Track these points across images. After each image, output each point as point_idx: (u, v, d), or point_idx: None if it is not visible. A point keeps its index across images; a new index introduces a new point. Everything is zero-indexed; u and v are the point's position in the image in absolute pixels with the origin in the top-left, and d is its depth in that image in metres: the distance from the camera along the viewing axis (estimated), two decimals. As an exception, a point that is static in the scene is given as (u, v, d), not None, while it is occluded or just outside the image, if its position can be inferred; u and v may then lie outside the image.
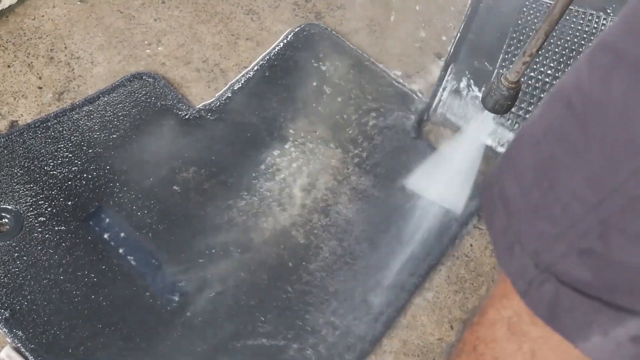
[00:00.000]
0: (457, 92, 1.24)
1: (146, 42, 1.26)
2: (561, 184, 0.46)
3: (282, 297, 1.05)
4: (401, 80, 1.30)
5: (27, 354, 0.95)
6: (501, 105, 0.94)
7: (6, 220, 1.04)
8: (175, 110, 1.19)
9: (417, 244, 1.12)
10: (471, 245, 1.17)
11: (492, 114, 1.04)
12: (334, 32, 1.35)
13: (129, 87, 1.20)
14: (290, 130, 1.21)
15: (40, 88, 1.18)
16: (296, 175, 1.16)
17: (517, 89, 0.93)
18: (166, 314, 1.01)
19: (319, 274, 1.07)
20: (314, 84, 1.27)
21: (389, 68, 1.32)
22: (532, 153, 0.50)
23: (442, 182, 1.16)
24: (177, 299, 1.02)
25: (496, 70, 1.26)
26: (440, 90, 1.23)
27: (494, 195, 0.54)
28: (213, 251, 1.07)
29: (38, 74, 1.19)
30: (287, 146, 1.19)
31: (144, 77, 1.22)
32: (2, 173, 1.07)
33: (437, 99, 1.23)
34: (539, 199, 0.48)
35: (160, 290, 1.02)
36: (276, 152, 1.18)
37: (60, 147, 1.11)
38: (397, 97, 1.28)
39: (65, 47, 1.23)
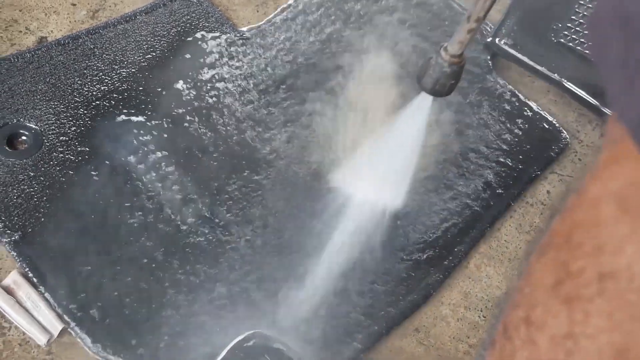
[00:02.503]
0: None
1: (192, -37, 1.15)
2: None
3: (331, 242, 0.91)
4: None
5: (34, 279, 0.83)
6: (443, 85, 0.77)
7: (24, 138, 0.93)
8: (217, 33, 1.07)
9: None
10: (548, 192, 1.01)
11: (431, 96, 0.81)
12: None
13: (170, 7, 1.09)
14: (346, 58, 1.07)
15: (74, 5, 1.07)
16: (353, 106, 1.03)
17: (462, 64, 0.76)
18: (194, 249, 0.89)
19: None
20: (380, 12, 1.13)
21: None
22: None
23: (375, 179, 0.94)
24: (207, 231, 0.90)
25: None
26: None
27: (608, 17, 0.38)
28: (252, 183, 0.94)
29: (73, -10, 1.09)
30: (340, 77, 1.06)
31: (187, -3, 1.10)
32: (25, 89, 0.97)
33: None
34: None
35: (189, 222, 0.90)
36: (329, 81, 1.05)
37: (90, 65, 1.01)
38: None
39: (105, -35, 1.12)
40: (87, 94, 0.98)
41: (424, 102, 0.84)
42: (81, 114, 0.96)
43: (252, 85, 1.03)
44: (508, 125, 1.05)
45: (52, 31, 1.04)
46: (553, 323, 0.43)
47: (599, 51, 0.39)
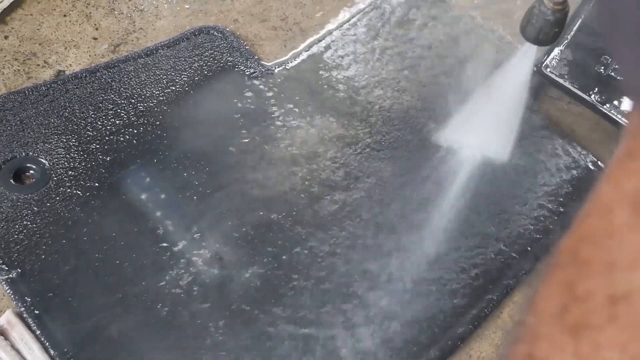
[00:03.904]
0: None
1: (220, -2, 1.11)
2: None
3: (351, 282, 0.84)
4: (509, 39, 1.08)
5: (29, 320, 0.78)
6: (546, 34, 0.77)
7: (32, 172, 0.89)
8: (242, 67, 1.02)
9: None
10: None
11: (535, 46, 0.83)
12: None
13: (193, 41, 1.04)
14: (374, 96, 1.01)
15: (95, 39, 1.04)
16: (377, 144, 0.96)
17: (565, 11, 0.74)
18: (199, 288, 0.82)
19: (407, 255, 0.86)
20: (407, 47, 1.07)
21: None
22: None
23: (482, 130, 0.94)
24: (215, 271, 0.83)
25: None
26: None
27: None
28: (266, 222, 0.88)
29: (95, 24, 1.06)
30: (368, 114, 0.99)
31: (211, 32, 1.06)
32: (37, 122, 0.93)
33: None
34: None
35: (196, 261, 0.84)
36: (354, 121, 0.99)
37: (106, 99, 0.96)
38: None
39: (130, -1, 1.09)
40: (100, 128, 0.94)
41: (528, 52, 0.86)
42: (93, 148, 0.92)
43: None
44: (548, 165, 0.97)
45: (70, 65, 1.01)
46: (558, 358, 0.35)
47: (611, 21, 0.32)
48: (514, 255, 0.88)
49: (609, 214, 0.34)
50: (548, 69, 1.02)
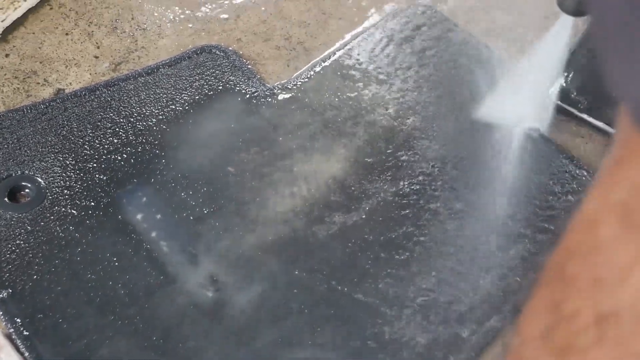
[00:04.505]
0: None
1: (223, 17, 1.10)
2: None
3: (347, 305, 0.82)
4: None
5: (18, 341, 0.76)
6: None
7: (27, 191, 0.88)
8: (243, 86, 1.01)
9: None
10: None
11: (572, 17, 0.84)
12: (444, 15, 1.13)
13: (195, 60, 1.03)
14: (377, 117, 0.99)
15: (96, 57, 1.03)
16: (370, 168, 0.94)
17: None
18: (193, 311, 0.80)
19: (397, 277, 0.84)
20: (410, 68, 1.05)
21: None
22: None
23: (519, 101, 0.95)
24: (210, 294, 0.81)
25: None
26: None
27: None
28: (264, 244, 0.86)
29: (97, 43, 1.05)
30: (370, 135, 0.98)
31: (213, 50, 1.05)
32: (34, 141, 0.92)
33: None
34: None
35: (191, 282, 0.82)
36: (357, 141, 0.97)
37: (105, 117, 0.95)
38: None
39: (132, 18, 1.09)
40: (98, 147, 0.92)
41: (565, 24, 0.87)
42: (90, 167, 0.90)
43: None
44: (555, 188, 0.94)
45: (70, 83, 1.00)
46: None
47: (599, 21, 0.30)
48: (518, 279, 0.86)
49: (594, 227, 0.32)
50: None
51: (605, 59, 0.30)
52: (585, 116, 0.99)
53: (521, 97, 0.96)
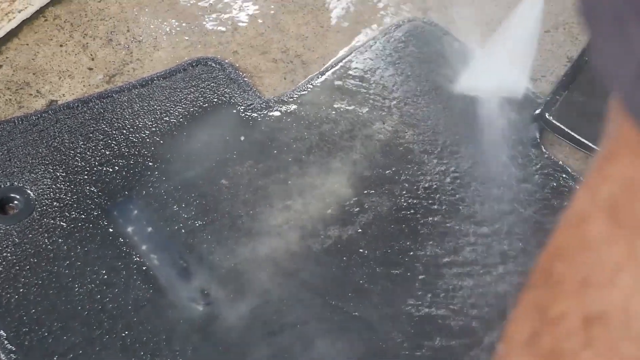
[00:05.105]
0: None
1: (220, 29, 1.09)
2: None
3: (341, 320, 0.80)
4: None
5: (2, 356, 0.74)
6: None
7: (16, 202, 0.86)
8: (239, 99, 0.99)
9: None
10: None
11: None
12: (443, 29, 1.12)
13: (190, 72, 1.02)
14: (374, 130, 0.98)
15: (90, 69, 1.02)
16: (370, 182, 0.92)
17: None
18: (184, 326, 0.78)
19: (392, 292, 0.81)
20: (408, 82, 1.04)
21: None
22: None
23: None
24: (201, 308, 0.79)
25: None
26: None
27: None
28: (257, 257, 0.84)
29: (91, 55, 1.03)
30: (367, 148, 0.96)
31: (209, 63, 1.03)
32: (24, 152, 0.90)
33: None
34: None
35: (181, 296, 0.80)
36: (353, 155, 0.95)
37: (97, 129, 0.94)
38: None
39: (128, 30, 1.07)
40: (89, 159, 0.91)
41: None
42: (80, 179, 0.89)
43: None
44: (555, 202, 0.92)
45: (63, 95, 0.98)
46: None
47: (590, 14, 0.28)
48: (515, 294, 0.83)
49: (582, 225, 0.30)
50: (551, 115, 0.99)
51: (595, 45, 0.28)
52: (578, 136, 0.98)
53: (497, 69, 1.02)
